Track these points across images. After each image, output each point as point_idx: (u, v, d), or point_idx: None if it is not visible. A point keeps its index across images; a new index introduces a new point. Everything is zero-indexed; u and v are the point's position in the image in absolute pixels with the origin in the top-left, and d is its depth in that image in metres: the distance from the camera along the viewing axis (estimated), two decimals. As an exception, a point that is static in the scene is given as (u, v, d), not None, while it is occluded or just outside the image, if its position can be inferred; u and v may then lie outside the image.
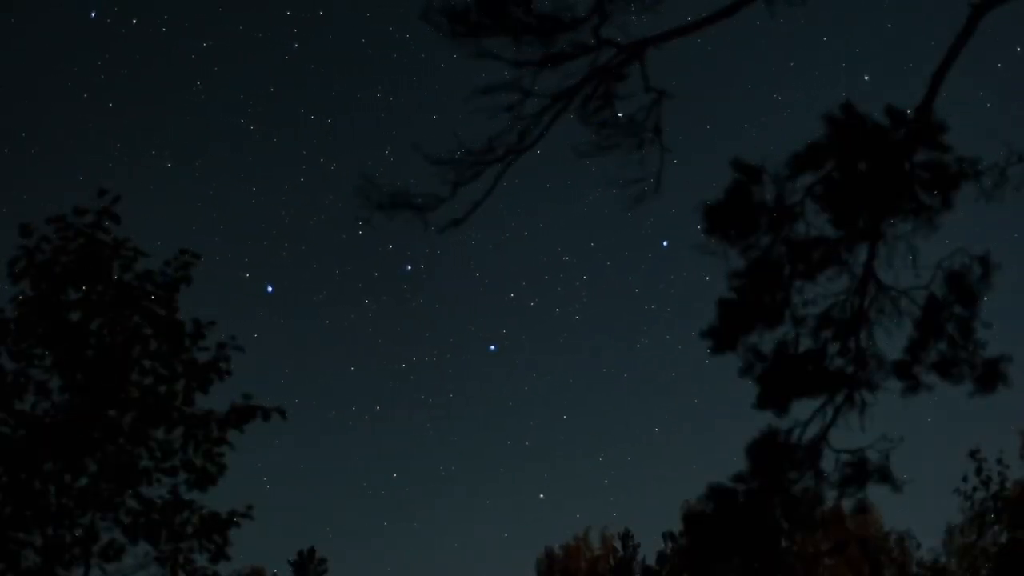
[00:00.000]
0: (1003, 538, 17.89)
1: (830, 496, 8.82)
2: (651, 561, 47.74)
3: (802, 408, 8.66)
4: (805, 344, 8.68)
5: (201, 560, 9.75)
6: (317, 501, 64.63)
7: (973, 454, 17.28)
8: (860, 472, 8.73)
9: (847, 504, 8.98)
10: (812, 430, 8.66)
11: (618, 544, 49.31)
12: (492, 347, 60.00)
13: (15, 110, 53.09)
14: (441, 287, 62.82)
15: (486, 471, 69.09)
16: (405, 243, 62.40)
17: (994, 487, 17.25)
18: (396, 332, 65.81)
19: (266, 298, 61.86)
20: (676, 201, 9.24)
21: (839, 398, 8.65)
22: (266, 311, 64.33)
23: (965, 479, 17.34)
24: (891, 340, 8.66)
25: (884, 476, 8.75)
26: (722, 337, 8.60)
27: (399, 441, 65.22)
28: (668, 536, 47.02)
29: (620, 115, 7.96)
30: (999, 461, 17.28)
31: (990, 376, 8.56)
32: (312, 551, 49.41)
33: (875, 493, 8.79)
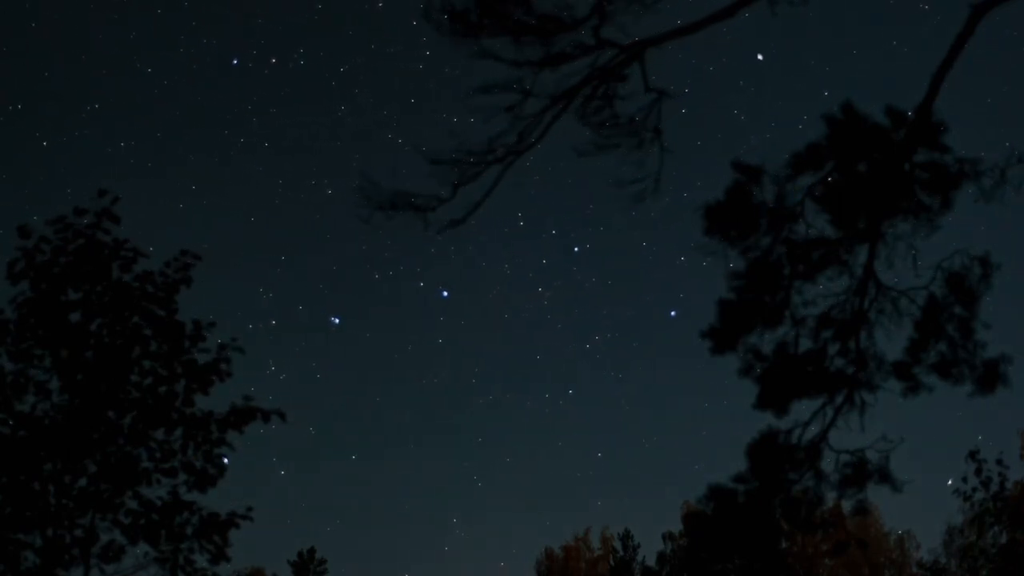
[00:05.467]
0: (1003, 538, 17.85)
1: (830, 496, 8.82)
2: (651, 561, 47.77)
3: (802, 408, 8.67)
4: (805, 344, 8.68)
5: (201, 561, 9.75)
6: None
7: (972, 455, 17.22)
8: (860, 472, 8.73)
9: (847, 504, 8.99)
10: (812, 430, 8.66)
11: (618, 544, 49.34)
12: (672, 312, 59.97)
13: (188, 163, 53.94)
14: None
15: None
16: (568, 226, 61.84)
17: (994, 488, 17.20)
18: (573, 314, 65.45)
19: (443, 303, 62.31)
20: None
21: (839, 398, 8.65)
22: (445, 315, 65.09)
23: (965, 480, 17.29)
24: (891, 340, 8.67)
25: (884, 476, 8.75)
26: (722, 337, 8.60)
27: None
28: (668, 536, 47.06)
29: (620, 115, 7.95)
30: (999, 462, 17.24)
31: (990, 376, 8.55)
32: (312, 551, 49.47)
33: (875, 493, 8.80)
